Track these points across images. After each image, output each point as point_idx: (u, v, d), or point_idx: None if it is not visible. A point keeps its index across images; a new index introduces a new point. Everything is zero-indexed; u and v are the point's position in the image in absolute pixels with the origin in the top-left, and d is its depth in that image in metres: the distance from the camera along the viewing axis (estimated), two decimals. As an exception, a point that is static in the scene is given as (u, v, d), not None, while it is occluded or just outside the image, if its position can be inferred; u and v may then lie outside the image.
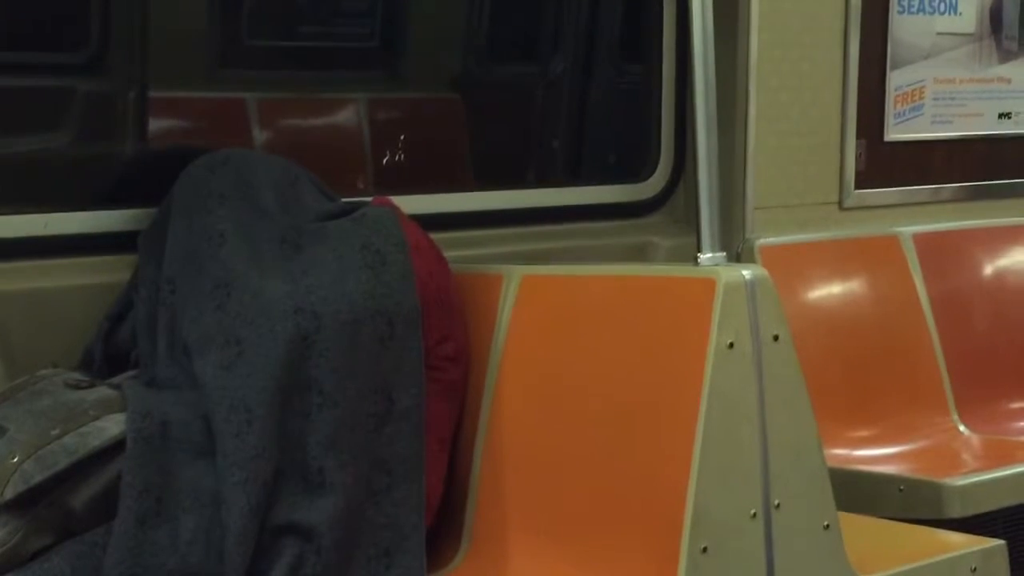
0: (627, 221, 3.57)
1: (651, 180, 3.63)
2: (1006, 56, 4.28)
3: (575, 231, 3.47)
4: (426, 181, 3.48)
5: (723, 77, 3.10)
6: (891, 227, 3.97)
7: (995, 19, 4.23)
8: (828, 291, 3.84)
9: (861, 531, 2.75)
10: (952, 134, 4.18)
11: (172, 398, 2.49)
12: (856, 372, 3.73)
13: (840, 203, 3.91)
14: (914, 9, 4.03)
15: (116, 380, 2.58)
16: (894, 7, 3.98)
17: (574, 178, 3.79)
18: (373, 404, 2.51)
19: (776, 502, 2.43)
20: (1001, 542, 2.81)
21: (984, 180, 4.26)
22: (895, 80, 4.02)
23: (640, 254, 3.51)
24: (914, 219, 4.04)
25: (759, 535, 2.42)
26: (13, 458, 2.33)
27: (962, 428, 3.78)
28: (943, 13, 4.10)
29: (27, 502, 2.32)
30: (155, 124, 3.25)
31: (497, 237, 3.28)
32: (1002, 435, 3.79)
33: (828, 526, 2.51)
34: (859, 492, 3.25)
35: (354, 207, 2.71)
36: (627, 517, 2.47)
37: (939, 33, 4.11)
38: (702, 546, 2.35)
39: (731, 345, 2.40)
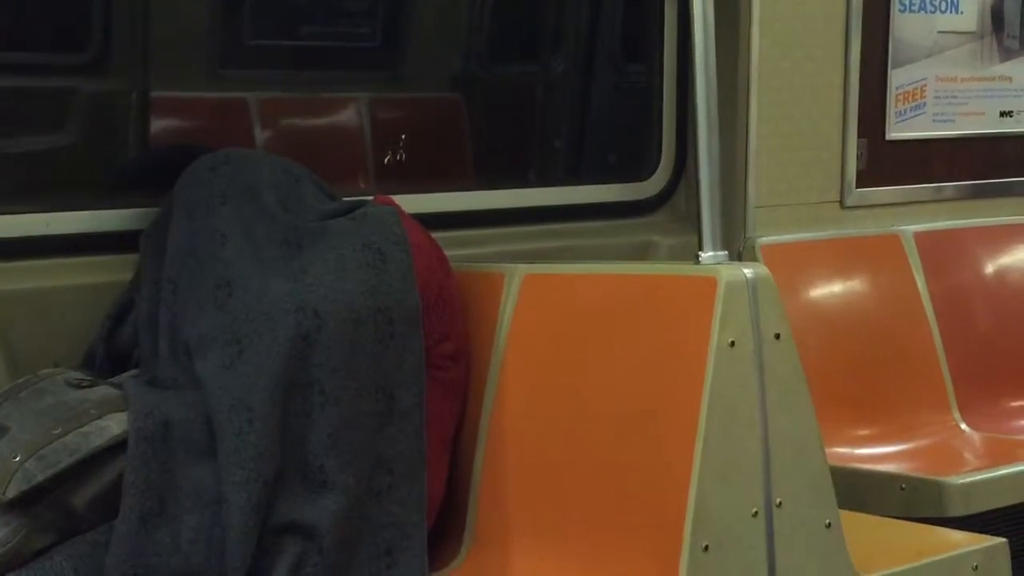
0: (628, 220, 3.57)
1: (652, 179, 3.63)
2: (1007, 54, 4.27)
3: (576, 230, 3.46)
4: (428, 180, 3.48)
5: (724, 76, 3.10)
6: (892, 226, 3.97)
7: (996, 17, 4.23)
8: (829, 290, 3.84)
9: (863, 530, 2.76)
10: (953, 133, 4.18)
11: (174, 397, 2.49)
12: (857, 370, 3.73)
13: (841, 202, 3.90)
14: (915, 8, 4.03)
15: (118, 379, 2.57)
16: (895, 6, 3.98)
17: (576, 177, 3.79)
18: (374, 403, 2.51)
19: (777, 500, 2.43)
20: (1003, 540, 2.81)
21: (985, 179, 4.26)
22: (896, 79, 4.02)
23: (641, 253, 3.51)
24: (915, 218, 4.04)
25: (761, 534, 2.42)
26: (15, 457, 2.33)
27: (963, 426, 3.78)
28: (944, 12, 4.10)
29: (29, 501, 2.32)
30: (157, 124, 3.25)
31: (498, 236, 3.28)
32: (1003, 433, 3.79)
33: (830, 525, 2.51)
34: (860, 490, 3.25)
35: (355, 206, 2.71)
36: (629, 516, 2.47)
37: (940, 32, 4.11)
38: (703, 544, 2.35)
39: (732, 344, 2.40)
